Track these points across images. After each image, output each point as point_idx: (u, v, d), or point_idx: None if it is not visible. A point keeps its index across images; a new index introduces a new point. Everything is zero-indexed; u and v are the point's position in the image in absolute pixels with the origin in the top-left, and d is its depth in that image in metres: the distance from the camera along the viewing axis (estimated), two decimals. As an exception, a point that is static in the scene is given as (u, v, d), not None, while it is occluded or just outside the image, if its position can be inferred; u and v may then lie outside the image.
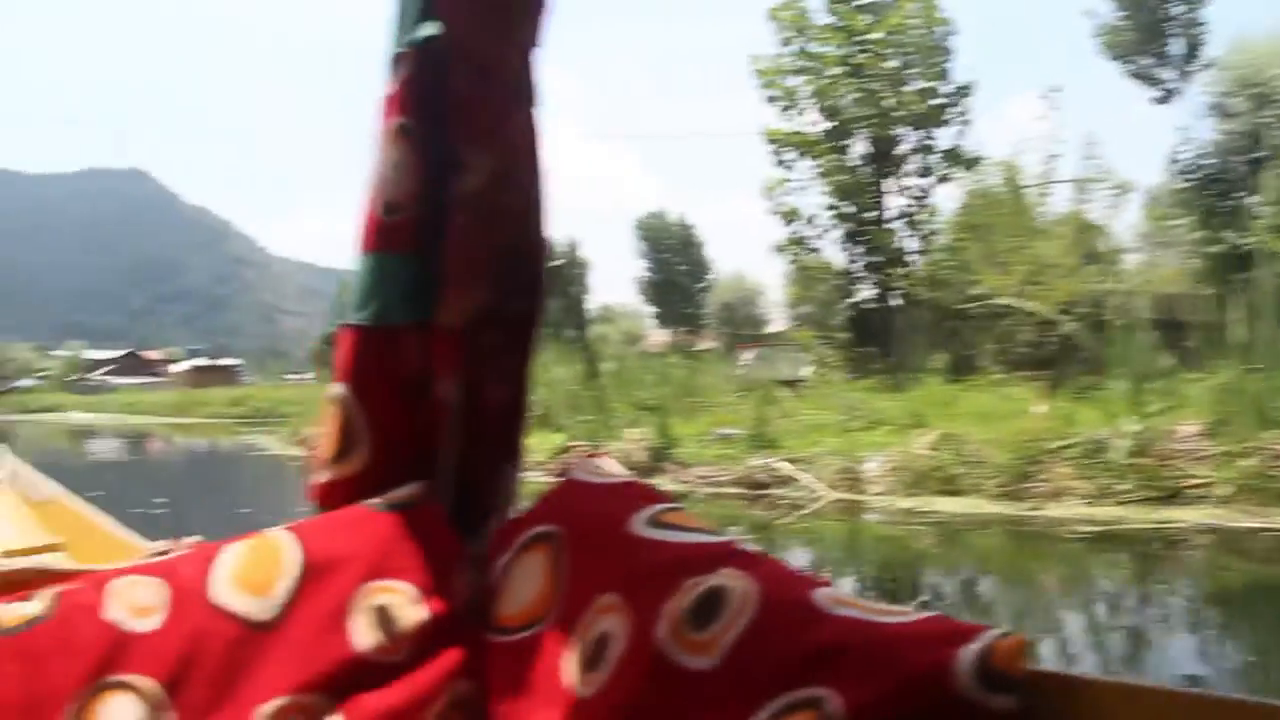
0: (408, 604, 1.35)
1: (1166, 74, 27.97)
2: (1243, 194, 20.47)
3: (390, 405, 1.49)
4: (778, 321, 53.51)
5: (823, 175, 21.38)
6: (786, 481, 9.22)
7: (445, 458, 1.50)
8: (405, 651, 1.31)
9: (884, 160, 21.50)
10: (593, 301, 48.98)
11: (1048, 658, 4.72)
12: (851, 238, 21.61)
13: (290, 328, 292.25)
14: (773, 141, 21.66)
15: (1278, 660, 5.26)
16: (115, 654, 1.21)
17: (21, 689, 1.16)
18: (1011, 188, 19.62)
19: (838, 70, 20.98)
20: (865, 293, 21.93)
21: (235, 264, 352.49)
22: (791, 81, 21.49)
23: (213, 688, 1.23)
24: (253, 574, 1.33)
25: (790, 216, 21.42)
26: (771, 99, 21.66)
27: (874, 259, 21.48)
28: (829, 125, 21.52)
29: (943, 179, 21.64)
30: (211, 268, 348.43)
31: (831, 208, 21.48)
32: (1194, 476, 8.11)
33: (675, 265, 56.47)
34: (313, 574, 1.34)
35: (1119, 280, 17.87)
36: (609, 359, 18.54)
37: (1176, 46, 27.76)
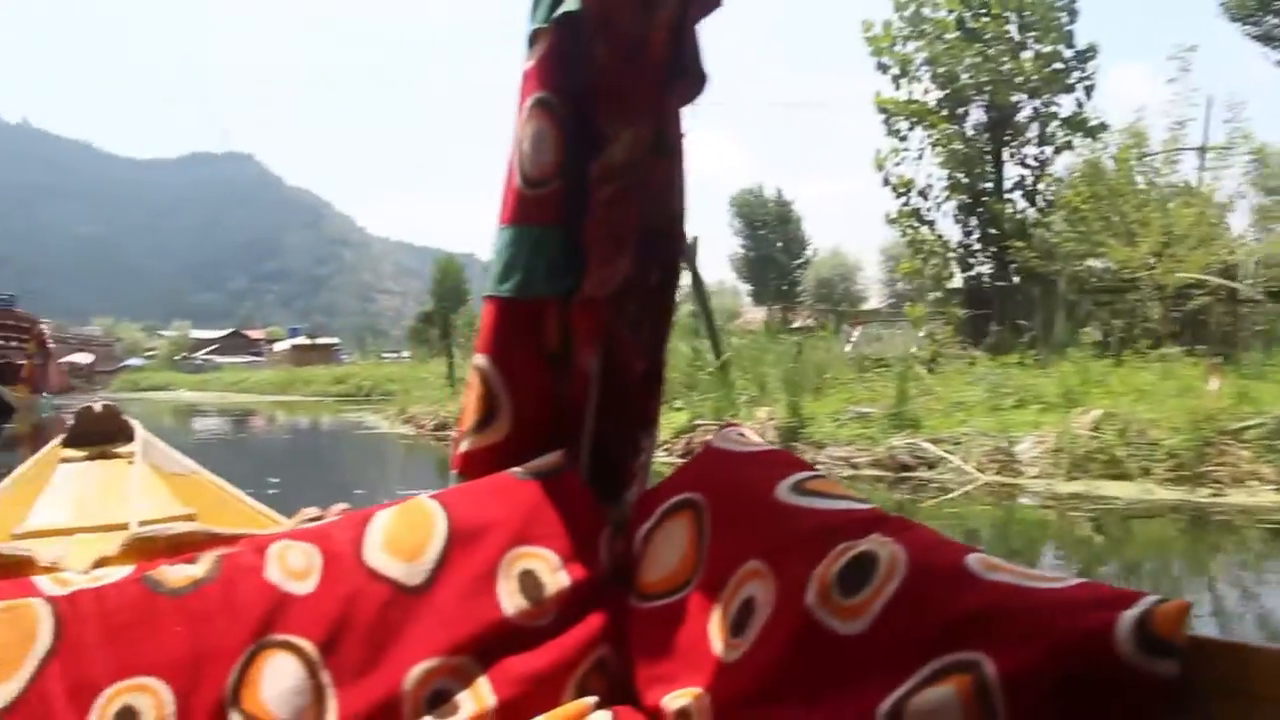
0: (551, 570, 1.38)
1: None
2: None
3: (531, 376, 1.51)
4: (875, 298, 52.71)
5: (937, 145, 20.63)
6: (933, 463, 8.64)
7: (585, 427, 1.52)
8: (550, 616, 1.35)
9: (1002, 128, 20.65)
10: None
11: None
12: (967, 209, 20.85)
13: (387, 306, 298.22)
14: (884, 111, 20.98)
15: None
16: (275, 614, 1.26)
17: (190, 646, 1.21)
18: (1139, 154, 18.63)
19: (954, 35, 20.19)
20: (981, 267, 21.18)
21: (334, 244, 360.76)
22: (905, 49, 20.78)
23: (366, 648, 1.26)
24: (403, 539, 1.36)
25: (904, 188, 20.70)
26: (883, 67, 20.96)
27: (990, 231, 20.72)
28: (942, 93, 20.76)
29: (1063, 147, 20.70)
30: (311, 248, 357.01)
31: (946, 178, 20.72)
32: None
33: (771, 241, 55.69)
34: (460, 540, 1.37)
35: (1250, 252, 16.87)
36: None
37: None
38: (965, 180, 20.69)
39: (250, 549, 1.33)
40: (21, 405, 25.01)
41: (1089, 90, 20.13)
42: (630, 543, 1.46)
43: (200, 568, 1.29)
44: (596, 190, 1.44)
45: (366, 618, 1.28)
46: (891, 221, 21.53)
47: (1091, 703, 0.89)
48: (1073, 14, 20.23)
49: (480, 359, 1.53)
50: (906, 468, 8.63)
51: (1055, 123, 20.61)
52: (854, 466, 8.90)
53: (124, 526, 1.96)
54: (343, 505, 1.73)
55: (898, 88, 21.23)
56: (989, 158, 20.88)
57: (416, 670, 1.26)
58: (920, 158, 20.85)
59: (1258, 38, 27.00)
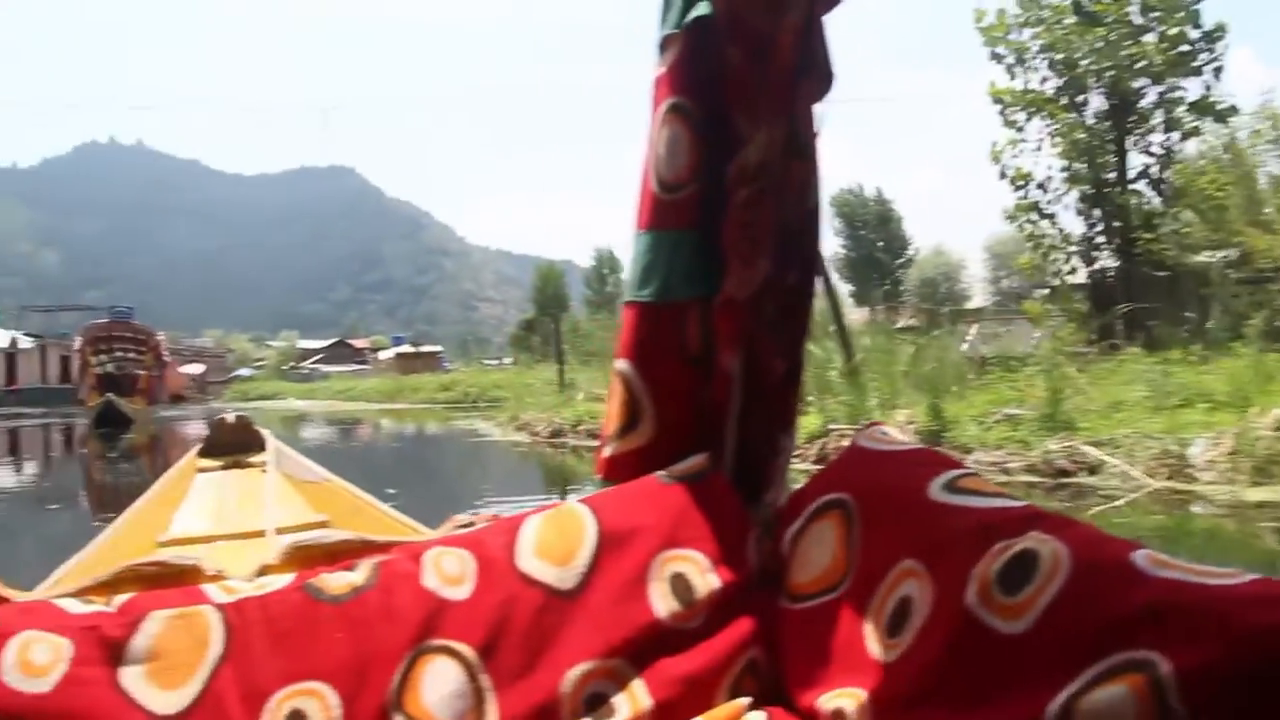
0: (701, 572, 1.38)
1: None
2: None
3: (674, 379, 1.52)
4: (979, 296, 51.39)
5: (1056, 135, 19.91)
6: (1094, 468, 8.14)
7: (728, 430, 1.52)
8: (701, 618, 1.35)
9: (1124, 115, 19.82)
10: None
11: None
12: (1090, 201, 20.07)
13: (488, 314, 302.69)
14: (999, 101, 20.36)
15: None
16: (434, 620, 1.28)
17: (352, 652, 1.24)
18: (1276, 137, 17.71)
19: (1072, 20, 19.46)
20: (1105, 260, 20.37)
21: (434, 254, 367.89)
22: (1020, 36, 20.12)
23: (523, 652, 1.28)
24: (554, 544, 1.38)
25: (1021, 181, 20.03)
26: (997, 56, 20.35)
27: (1115, 223, 19.91)
28: (1060, 81, 20.04)
29: (1190, 133, 19.78)
30: (412, 258, 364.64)
31: (1066, 169, 19.98)
32: None
33: (872, 241, 54.74)
34: (610, 544, 1.38)
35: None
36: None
37: None
38: (1086, 171, 19.96)
39: (406, 556, 1.36)
40: (139, 416, 25.93)
41: (1218, 72, 19.18)
42: (778, 544, 1.45)
43: (359, 575, 1.32)
44: (733, 193, 1.44)
45: (522, 622, 1.31)
46: (1010, 216, 20.86)
47: (1272, 701, 0.85)
48: (1200, -8, 19.34)
49: (622, 364, 1.54)
50: (1065, 473, 8.11)
51: (1181, 108, 19.71)
52: (1006, 472, 8.41)
53: (261, 534, 2.05)
54: (491, 512, 1.77)
55: (1012, 77, 20.61)
56: (1111, 147, 20.10)
57: (573, 673, 1.29)
58: (1039, 149, 20.17)
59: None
